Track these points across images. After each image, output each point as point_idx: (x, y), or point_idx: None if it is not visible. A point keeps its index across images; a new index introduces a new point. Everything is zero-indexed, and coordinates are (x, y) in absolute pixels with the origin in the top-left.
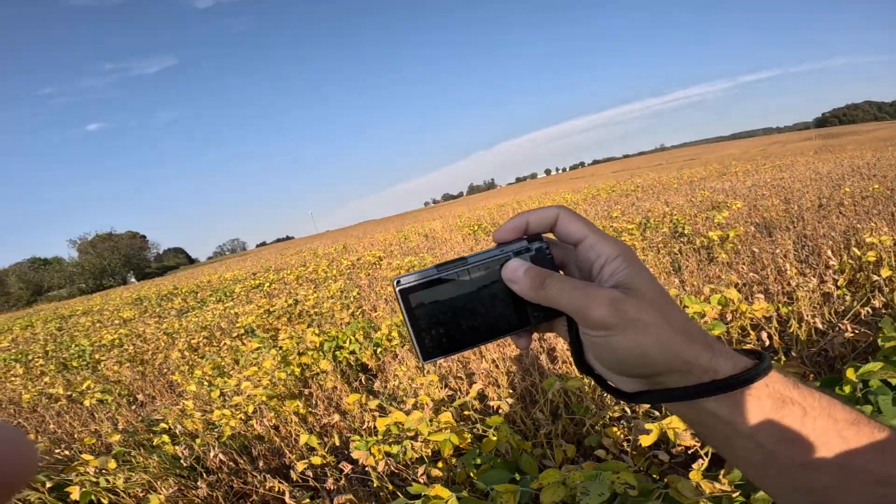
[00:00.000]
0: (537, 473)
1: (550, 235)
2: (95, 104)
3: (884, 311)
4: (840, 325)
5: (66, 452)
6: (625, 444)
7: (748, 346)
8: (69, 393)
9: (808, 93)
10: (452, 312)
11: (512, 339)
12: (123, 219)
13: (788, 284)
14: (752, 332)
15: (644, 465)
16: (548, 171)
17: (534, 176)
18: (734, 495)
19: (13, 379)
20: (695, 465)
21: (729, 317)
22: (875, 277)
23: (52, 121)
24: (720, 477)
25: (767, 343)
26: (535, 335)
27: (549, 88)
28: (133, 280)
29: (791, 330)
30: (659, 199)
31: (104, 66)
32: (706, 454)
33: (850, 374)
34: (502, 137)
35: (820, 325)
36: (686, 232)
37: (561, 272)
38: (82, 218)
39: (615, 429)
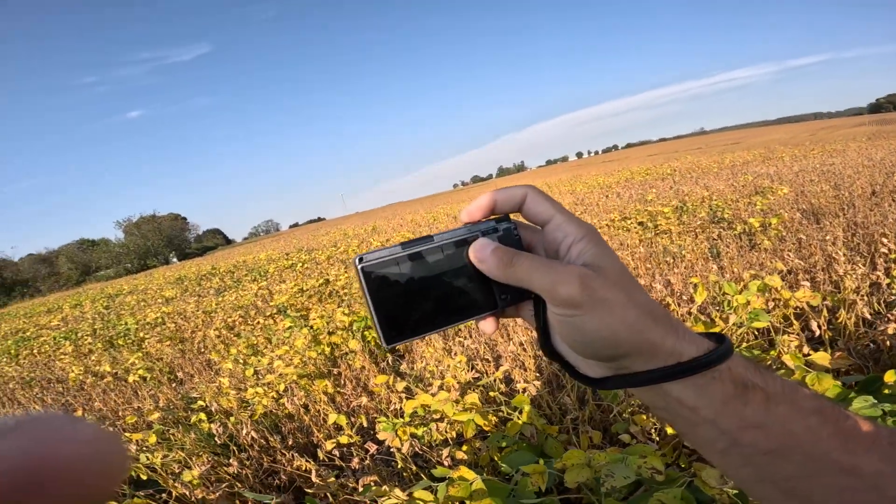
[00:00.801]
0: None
1: (519, 216)
2: (135, 92)
3: None
4: (889, 315)
5: (111, 429)
6: (653, 432)
7: (714, 330)
8: (115, 371)
9: (859, 78)
10: (417, 293)
11: (478, 323)
12: (165, 201)
13: (836, 273)
14: (795, 321)
15: (671, 454)
16: (579, 154)
17: (565, 159)
18: None
19: (62, 357)
20: None
21: (771, 305)
22: None
23: (95, 109)
24: None
25: (816, 333)
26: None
27: (582, 70)
28: (175, 260)
29: (840, 320)
30: (697, 184)
31: (141, 55)
32: None
33: (889, 377)
34: (533, 120)
35: (868, 316)
36: (726, 216)
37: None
38: (127, 200)
39: (643, 416)
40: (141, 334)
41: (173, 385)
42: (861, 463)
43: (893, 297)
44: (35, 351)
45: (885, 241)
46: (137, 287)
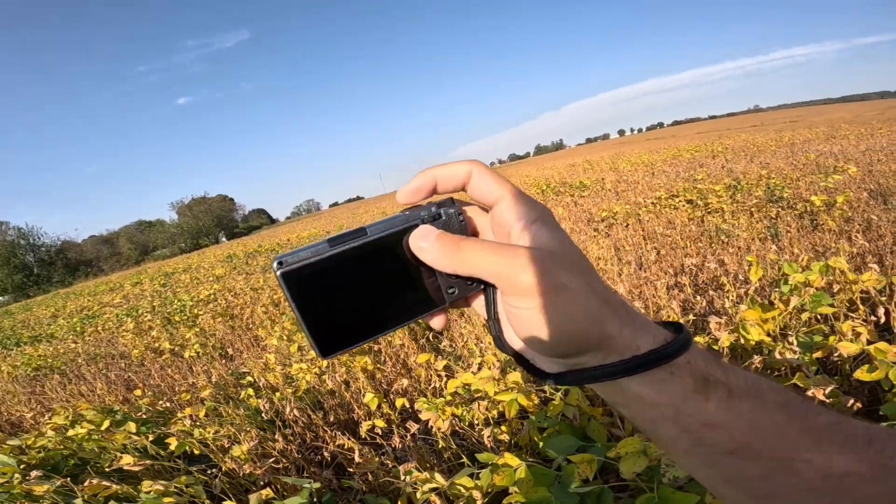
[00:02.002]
0: (605, 441)
1: (464, 196)
2: (183, 80)
3: None
4: None
5: (167, 405)
6: None
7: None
8: (172, 347)
9: None
10: (353, 296)
11: (426, 321)
12: (214, 183)
13: None
14: (861, 305)
15: None
16: (621, 132)
17: (606, 136)
18: None
19: (125, 333)
20: None
21: (836, 288)
22: None
23: (147, 97)
24: None
25: (883, 319)
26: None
27: (625, 47)
28: (224, 239)
29: None
30: (753, 162)
31: (187, 43)
32: None
33: None
34: (572, 98)
35: None
36: (785, 196)
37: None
38: (179, 183)
39: None
40: (195, 311)
41: (224, 361)
42: (833, 463)
43: None
44: (100, 328)
45: None
46: (191, 265)
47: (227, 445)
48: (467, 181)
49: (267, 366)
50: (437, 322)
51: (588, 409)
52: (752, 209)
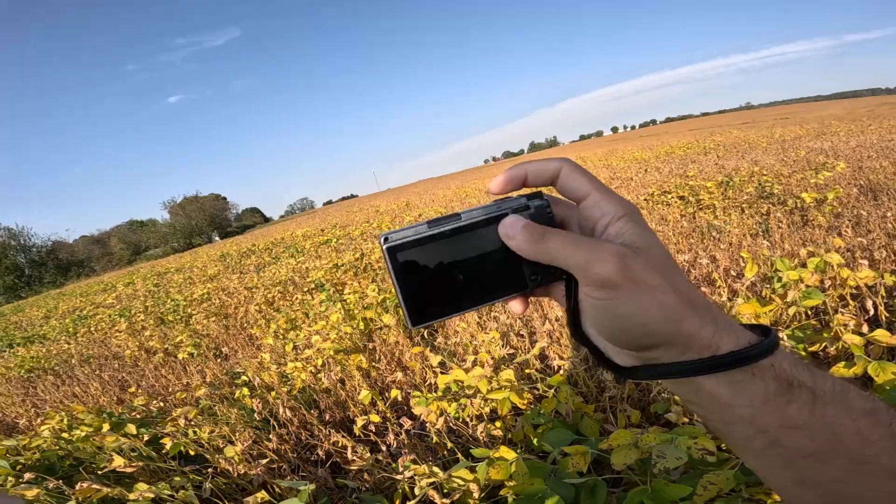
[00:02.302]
0: (598, 437)
1: (553, 191)
2: (174, 78)
3: None
4: None
5: (161, 405)
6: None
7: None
8: (166, 346)
9: None
10: (443, 273)
11: (507, 304)
12: (206, 182)
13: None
14: (851, 301)
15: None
16: (614, 129)
17: (599, 133)
18: None
19: (118, 334)
20: None
21: (827, 284)
22: None
23: (137, 97)
24: None
25: (871, 313)
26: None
27: (618, 45)
28: (217, 238)
29: None
30: (744, 158)
31: (176, 42)
32: None
33: None
34: (566, 95)
35: None
36: (776, 192)
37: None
38: (171, 182)
39: None
40: (189, 310)
41: (218, 360)
42: None
43: None
44: (92, 328)
45: None
46: (184, 265)
47: (221, 446)
48: (557, 177)
49: (262, 365)
50: (517, 306)
51: (581, 406)
52: (744, 205)
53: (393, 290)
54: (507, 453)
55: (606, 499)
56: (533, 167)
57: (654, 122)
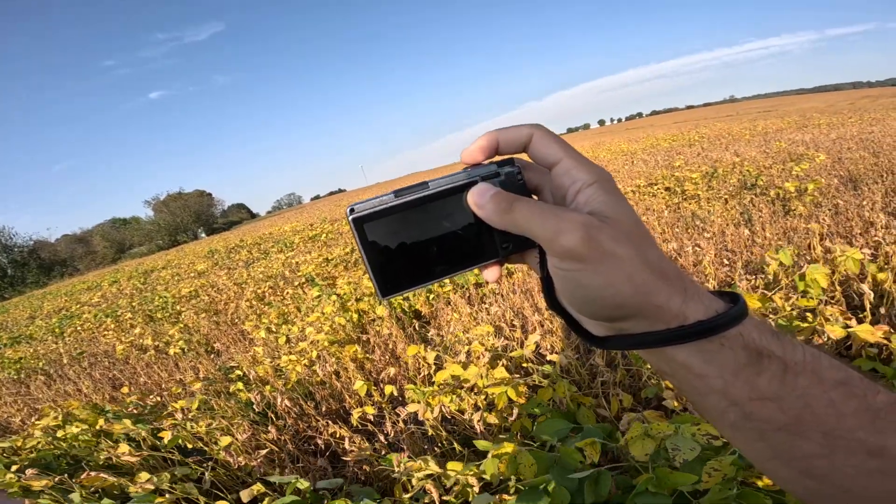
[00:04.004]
0: (594, 424)
1: (525, 156)
2: (155, 74)
3: None
4: None
5: (158, 399)
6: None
7: (726, 290)
8: (156, 343)
9: None
10: (413, 243)
11: (480, 271)
12: (191, 178)
13: (873, 239)
14: (837, 287)
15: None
16: (601, 122)
17: (586, 126)
18: None
19: (105, 333)
20: None
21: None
22: None
23: (117, 93)
24: None
25: (858, 301)
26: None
27: (605, 38)
28: (203, 235)
29: (886, 285)
30: (728, 150)
31: (157, 37)
32: None
33: None
34: (555, 88)
35: None
36: (759, 183)
37: (535, 198)
38: (155, 179)
39: None
40: (178, 307)
41: (211, 356)
42: (890, 443)
43: None
44: (79, 328)
45: None
46: (170, 262)
47: (220, 438)
48: (528, 143)
49: (255, 359)
50: (490, 274)
51: (577, 397)
52: (727, 196)
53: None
54: (509, 447)
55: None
56: (505, 134)
57: (640, 114)
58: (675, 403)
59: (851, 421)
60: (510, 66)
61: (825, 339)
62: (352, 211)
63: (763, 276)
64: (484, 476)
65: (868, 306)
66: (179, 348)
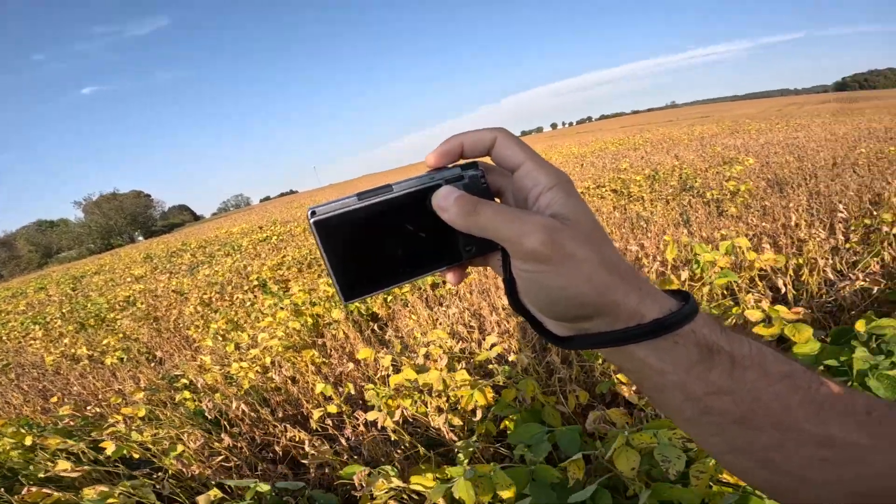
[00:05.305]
0: (560, 425)
1: (489, 160)
2: (90, 68)
3: (892, 265)
4: (851, 275)
5: (97, 409)
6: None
7: (675, 287)
8: (90, 353)
9: (830, 57)
10: (376, 246)
11: (444, 274)
12: (127, 179)
13: (797, 237)
14: (759, 282)
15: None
16: (554, 126)
17: (539, 130)
18: None
19: (32, 342)
20: None
21: (740, 266)
22: (885, 229)
23: (45, 89)
24: None
25: (782, 291)
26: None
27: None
28: (140, 238)
29: (803, 278)
30: (668, 154)
31: (95, 30)
32: None
33: (860, 326)
34: (510, 91)
35: (831, 276)
36: (696, 185)
37: (498, 201)
38: (87, 180)
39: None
40: (113, 315)
41: (153, 365)
42: (835, 433)
43: (856, 259)
44: (3, 337)
45: (841, 207)
46: (104, 267)
47: (168, 447)
48: (492, 146)
49: (203, 367)
50: (453, 277)
51: (543, 398)
52: (668, 197)
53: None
54: (483, 468)
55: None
56: (469, 137)
57: (589, 118)
58: (629, 393)
59: (798, 412)
60: (467, 69)
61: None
62: (313, 213)
63: (690, 269)
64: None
65: (790, 297)
66: (118, 357)
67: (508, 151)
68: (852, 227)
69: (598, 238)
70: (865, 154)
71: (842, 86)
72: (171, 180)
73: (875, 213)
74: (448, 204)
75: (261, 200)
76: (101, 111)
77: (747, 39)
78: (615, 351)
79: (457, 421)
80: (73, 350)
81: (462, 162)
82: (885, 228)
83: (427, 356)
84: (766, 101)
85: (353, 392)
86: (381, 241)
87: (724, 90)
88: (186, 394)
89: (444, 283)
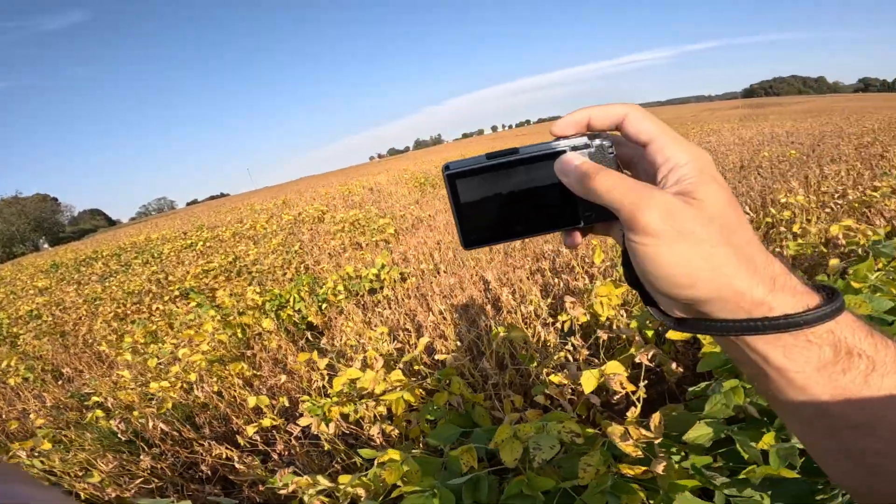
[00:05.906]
0: (490, 424)
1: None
2: None
3: (793, 261)
4: None
5: None
6: (569, 391)
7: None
8: None
9: (742, 64)
10: (499, 202)
11: (561, 236)
12: (32, 181)
13: None
14: None
15: (585, 413)
16: (494, 128)
17: (480, 132)
18: (657, 441)
19: None
20: (629, 413)
21: None
22: (782, 228)
23: None
24: (650, 424)
25: None
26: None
27: (500, 48)
28: (46, 246)
29: None
30: None
31: (4, 25)
32: (638, 400)
33: None
34: (455, 93)
35: None
36: None
37: (627, 173)
38: None
39: (557, 377)
40: (14, 330)
41: (60, 383)
42: None
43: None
44: None
45: (747, 209)
46: (3, 278)
47: (80, 473)
48: (622, 121)
49: (117, 384)
50: (570, 240)
51: (472, 396)
52: None
53: (288, 287)
54: (395, 454)
55: (492, 489)
56: (597, 111)
57: (528, 122)
58: (544, 399)
59: None
60: (410, 72)
61: None
62: (447, 168)
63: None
64: (370, 486)
65: None
66: (22, 377)
67: (641, 126)
68: (755, 226)
69: (729, 222)
70: (769, 157)
71: (750, 92)
72: (83, 183)
73: (776, 213)
74: (569, 169)
75: (187, 204)
76: (3, 108)
77: (671, 47)
78: (731, 340)
79: (392, 430)
80: None
81: (589, 133)
82: (782, 228)
83: (364, 361)
84: (682, 107)
85: (287, 404)
86: (504, 198)
87: (649, 96)
88: (98, 412)
89: (381, 289)
